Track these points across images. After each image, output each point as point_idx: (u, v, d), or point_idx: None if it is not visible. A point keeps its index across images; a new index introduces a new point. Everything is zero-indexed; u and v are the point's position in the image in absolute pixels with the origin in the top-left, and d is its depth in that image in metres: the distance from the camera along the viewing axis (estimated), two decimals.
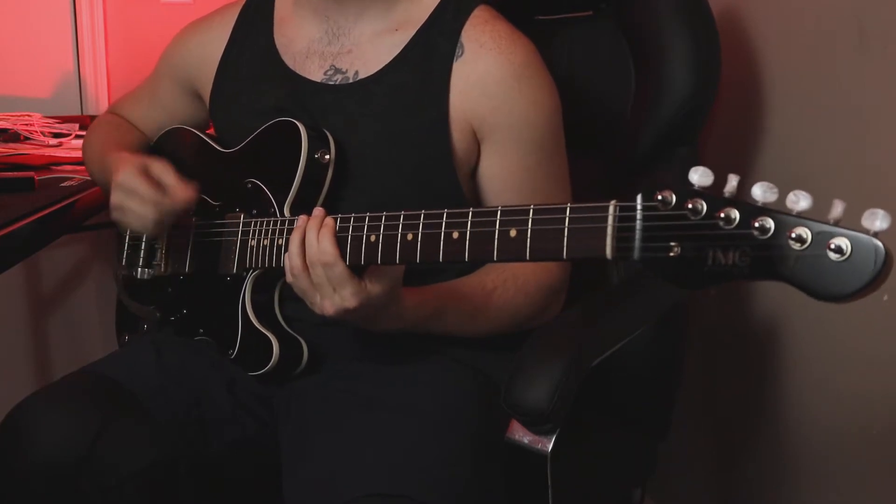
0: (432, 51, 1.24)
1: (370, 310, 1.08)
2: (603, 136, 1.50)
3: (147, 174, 1.26)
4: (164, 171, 1.27)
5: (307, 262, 1.07)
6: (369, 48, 1.28)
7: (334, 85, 1.28)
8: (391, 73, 1.26)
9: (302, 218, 1.09)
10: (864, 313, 1.25)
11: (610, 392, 1.40)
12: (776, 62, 1.50)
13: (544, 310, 1.27)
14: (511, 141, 1.24)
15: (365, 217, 1.06)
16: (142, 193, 1.24)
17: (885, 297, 1.22)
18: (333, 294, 1.06)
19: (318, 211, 1.09)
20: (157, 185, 1.26)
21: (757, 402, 1.57)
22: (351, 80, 1.28)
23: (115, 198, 1.27)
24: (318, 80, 1.29)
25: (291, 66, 1.32)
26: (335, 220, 1.07)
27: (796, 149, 1.46)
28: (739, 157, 1.58)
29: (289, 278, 1.10)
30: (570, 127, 1.31)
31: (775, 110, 1.51)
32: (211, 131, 1.48)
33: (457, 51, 1.23)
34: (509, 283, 1.23)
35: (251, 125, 1.31)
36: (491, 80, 1.22)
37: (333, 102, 1.28)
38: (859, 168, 1.31)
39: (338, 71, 1.29)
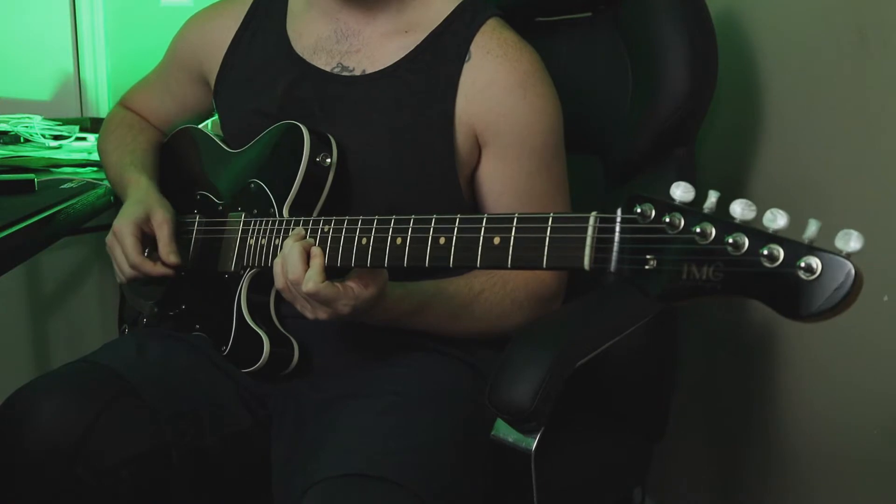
0: (442, 54, 1.27)
1: (361, 312, 1.12)
2: (601, 136, 1.50)
3: (146, 224, 1.30)
4: (161, 226, 1.30)
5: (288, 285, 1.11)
6: (377, 48, 1.30)
7: (342, 76, 1.30)
8: (399, 72, 1.28)
9: (286, 244, 1.12)
10: (865, 314, 1.25)
11: (602, 393, 1.41)
12: (775, 62, 1.49)
13: (532, 318, 1.28)
14: (514, 146, 1.26)
15: (358, 220, 1.08)
16: (127, 252, 1.29)
17: (886, 298, 1.22)
18: (327, 308, 1.10)
19: (298, 236, 1.12)
20: (149, 241, 1.31)
21: (757, 402, 1.57)
22: (358, 76, 1.30)
23: (109, 239, 1.33)
24: (327, 71, 1.31)
25: (301, 55, 1.34)
26: (323, 251, 1.09)
27: (794, 149, 1.45)
28: (737, 157, 1.57)
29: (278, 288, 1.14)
30: (569, 127, 1.32)
31: (773, 110, 1.50)
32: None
33: (466, 56, 1.25)
34: (497, 287, 1.26)
35: (259, 109, 1.34)
36: (497, 86, 1.24)
37: (341, 93, 1.30)
38: (859, 168, 1.30)
39: (345, 68, 1.31)
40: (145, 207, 1.32)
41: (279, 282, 1.12)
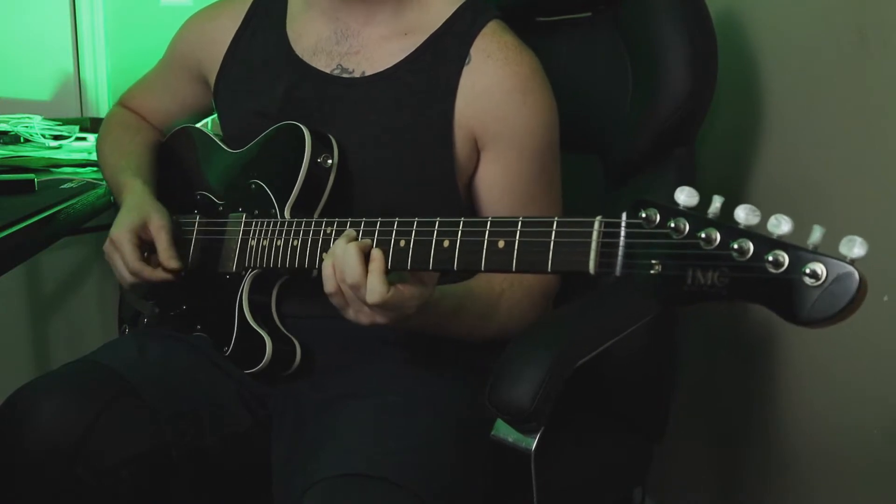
0: (443, 56, 1.27)
1: (422, 312, 1.09)
2: (601, 136, 1.50)
3: (143, 231, 1.29)
4: (159, 232, 1.29)
5: (339, 282, 1.05)
6: (377, 50, 1.30)
7: (342, 78, 1.30)
8: (399, 73, 1.28)
9: (338, 245, 1.06)
10: (865, 313, 1.25)
11: (602, 393, 1.42)
12: (775, 62, 1.50)
13: (543, 314, 1.29)
14: (513, 150, 1.26)
15: (360, 222, 1.08)
16: (126, 258, 1.28)
17: (886, 298, 1.23)
18: (391, 312, 1.06)
19: (349, 237, 1.06)
20: (147, 247, 1.30)
21: (757, 402, 1.57)
22: (357, 77, 1.30)
23: (106, 247, 1.32)
24: (327, 73, 1.31)
25: (301, 57, 1.34)
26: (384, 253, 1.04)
27: (794, 149, 1.45)
28: (737, 157, 1.57)
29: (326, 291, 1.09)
30: (569, 127, 1.33)
31: (773, 110, 1.50)
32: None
33: (466, 59, 1.25)
34: (516, 286, 1.25)
35: (259, 109, 1.34)
36: (497, 90, 1.24)
37: (340, 94, 1.30)
38: (859, 168, 1.30)
39: (344, 70, 1.31)
40: (141, 214, 1.30)
41: (330, 286, 1.06)
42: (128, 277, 1.29)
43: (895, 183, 1.23)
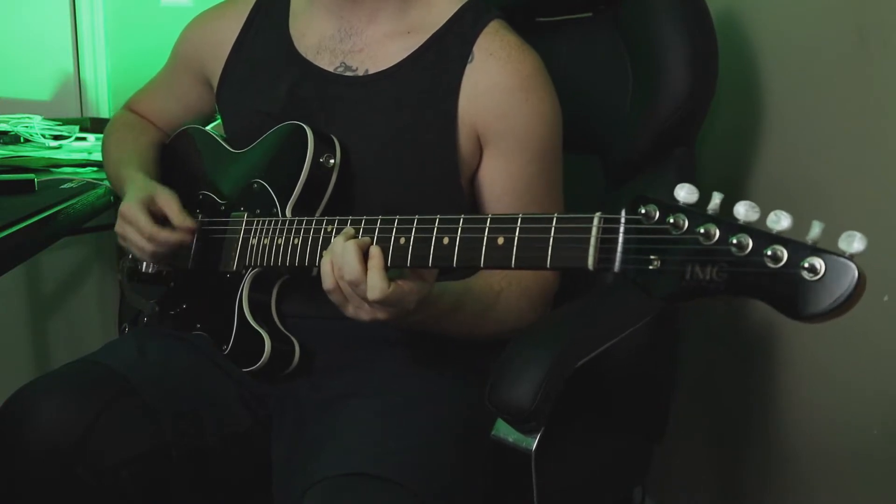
0: (445, 54, 1.27)
1: (423, 308, 1.08)
2: (601, 136, 1.50)
3: (152, 204, 1.30)
4: (168, 202, 1.30)
5: (338, 278, 1.05)
6: (380, 48, 1.30)
7: (345, 76, 1.31)
8: (402, 72, 1.28)
9: (336, 242, 1.06)
10: (865, 314, 1.25)
11: (602, 393, 1.41)
12: (775, 62, 1.50)
13: (541, 315, 1.29)
14: (515, 149, 1.27)
15: (361, 220, 1.08)
16: (141, 226, 1.28)
17: (886, 298, 1.23)
18: (391, 308, 1.05)
19: (348, 235, 1.06)
20: (160, 216, 1.30)
21: (757, 402, 1.57)
22: (361, 76, 1.30)
23: (118, 226, 1.32)
24: (330, 71, 1.32)
25: (304, 55, 1.34)
26: (381, 249, 1.04)
27: (795, 149, 1.45)
28: (737, 157, 1.57)
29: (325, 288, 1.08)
30: (569, 127, 1.33)
31: (773, 110, 1.50)
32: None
33: (468, 58, 1.26)
34: (514, 286, 1.26)
35: (262, 108, 1.34)
36: (499, 88, 1.25)
37: (343, 93, 1.30)
38: (859, 168, 1.30)
39: (348, 68, 1.31)
40: (147, 190, 1.32)
41: (328, 282, 1.06)
42: (146, 245, 1.29)
43: (895, 183, 1.23)
